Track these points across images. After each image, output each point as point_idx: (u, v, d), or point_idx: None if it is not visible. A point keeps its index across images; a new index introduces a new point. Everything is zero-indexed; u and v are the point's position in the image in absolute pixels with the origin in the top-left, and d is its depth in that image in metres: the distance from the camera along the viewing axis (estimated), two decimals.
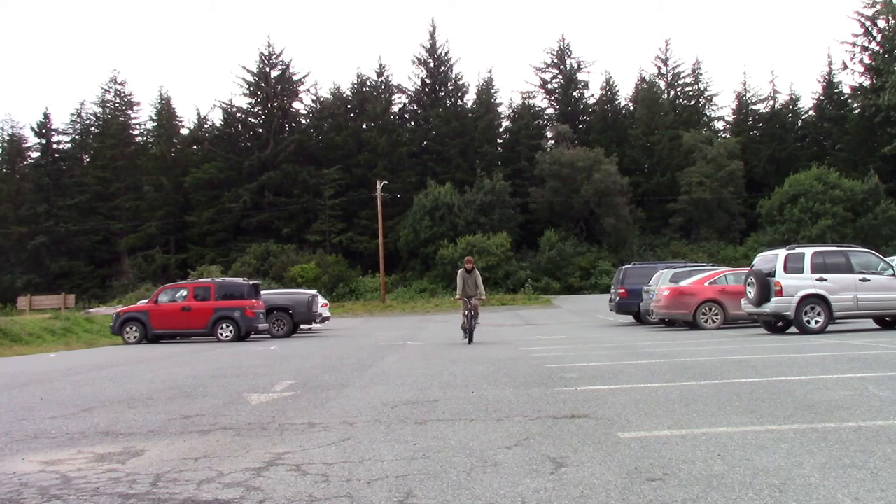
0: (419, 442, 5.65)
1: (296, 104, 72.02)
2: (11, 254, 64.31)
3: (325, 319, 29.15)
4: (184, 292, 24.15)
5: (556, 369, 10.57)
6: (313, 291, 29.47)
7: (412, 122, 73.40)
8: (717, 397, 7.39)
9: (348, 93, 71.05)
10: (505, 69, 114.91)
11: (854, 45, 64.55)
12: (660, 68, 74.44)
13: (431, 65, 71.24)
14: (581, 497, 4.02)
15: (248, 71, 68.56)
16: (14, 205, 65.59)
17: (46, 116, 68.31)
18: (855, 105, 65.76)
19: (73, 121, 71.30)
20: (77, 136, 72.18)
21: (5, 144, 68.87)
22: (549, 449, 5.23)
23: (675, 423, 6.10)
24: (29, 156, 70.25)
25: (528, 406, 7.21)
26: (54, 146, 69.74)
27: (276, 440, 5.95)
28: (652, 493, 4.03)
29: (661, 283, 22.50)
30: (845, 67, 66.26)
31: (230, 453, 5.50)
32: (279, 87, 69.27)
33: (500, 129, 73.12)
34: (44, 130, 68.34)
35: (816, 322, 16.59)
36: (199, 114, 76.85)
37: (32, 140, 69.24)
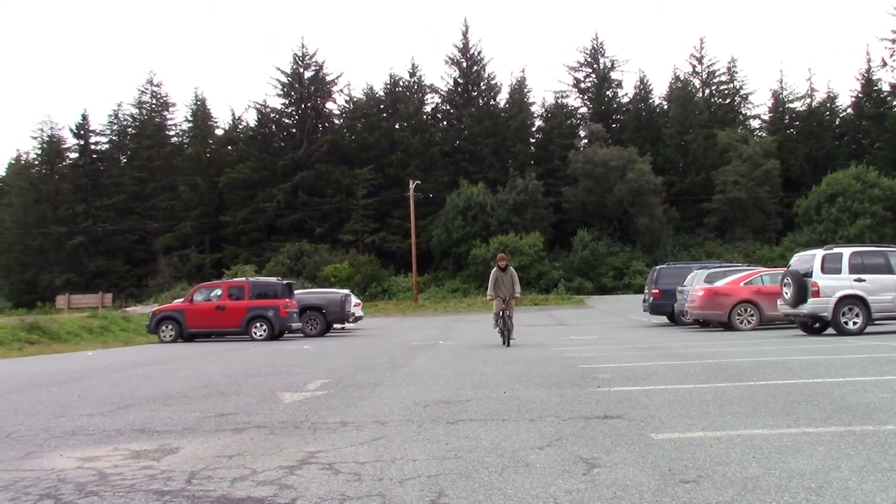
0: (451, 442, 5.65)
1: (329, 104, 72.40)
2: (50, 253, 65.36)
3: (357, 319, 29.27)
4: (218, 291, 24.39)
5: (588, 370, 10.52)
6: (346, 291, 29.59)
7: (445, 122, 73.42)
8: (753, 399, 7.30)
9: (381, 93, 71.27)
10: (538, 69, 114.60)
11: (894, 41, 63.45)
12: (694, 66, 73.76)
13: (464, 64, 71.22)
14: (614, 498, 4.00)
15: (282, 72, 69.05)
16: (53, 205, 66.66)
17: (84, 118, 69.32)
18: (895, 103, 64.64)
19: (110, 122, 72.37)
20: (114, 137, 73.21)
21: (44, 145, 69.97)
22: (581, 450, 5.20)
23: (709, 424, 6.04)
24: (67, 156, 71.33)
25: (560, 406, 7.18)
26: (92, 147, 70.73)
27: (309, 439, 5.99)
28: (686, 496, 4.00)
29: (695, 284, 22.29)
30: (884, 64, 65.15)
31: (263, 451, 5.54)
32: (313, 88, 69.65)
33: (533, 129, 72.92)
34: (82, 131, 69.34)
35: (854, 323, 16.35)
36: (233, 114, 77.52)
37: (71, 141, 70.29)
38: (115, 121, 72.43)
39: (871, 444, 5.12)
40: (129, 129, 73.33)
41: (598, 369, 10.56)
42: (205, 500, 4.27)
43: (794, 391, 7.74)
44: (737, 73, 73.16)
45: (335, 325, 27.17)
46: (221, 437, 6.20)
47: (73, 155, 70.81)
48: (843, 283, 16.46)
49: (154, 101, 73.01)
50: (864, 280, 16.46)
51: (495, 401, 7.77)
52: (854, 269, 16.65)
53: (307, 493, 4.32)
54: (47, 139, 69.75)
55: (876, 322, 17.17)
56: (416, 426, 6.38)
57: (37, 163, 71.86)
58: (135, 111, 72.83)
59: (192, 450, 5.73)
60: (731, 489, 4.09)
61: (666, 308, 25.58)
